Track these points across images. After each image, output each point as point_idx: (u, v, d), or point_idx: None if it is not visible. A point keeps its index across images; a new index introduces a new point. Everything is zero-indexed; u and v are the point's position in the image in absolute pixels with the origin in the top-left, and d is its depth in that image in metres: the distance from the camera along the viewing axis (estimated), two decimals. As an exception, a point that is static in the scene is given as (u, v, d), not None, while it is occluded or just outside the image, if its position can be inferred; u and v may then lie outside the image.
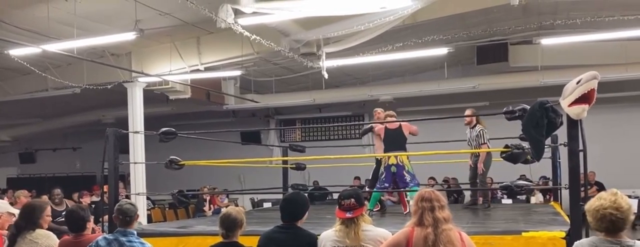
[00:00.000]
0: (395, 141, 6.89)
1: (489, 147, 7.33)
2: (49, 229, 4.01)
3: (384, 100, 13.53)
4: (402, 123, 6.97)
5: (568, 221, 4.67)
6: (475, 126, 7.69)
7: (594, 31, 9.57)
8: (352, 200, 3.35)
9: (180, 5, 7.24)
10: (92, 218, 4.13)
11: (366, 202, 3.66)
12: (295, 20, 8.52)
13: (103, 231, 5.89)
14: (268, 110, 16.24)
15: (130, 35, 7.87)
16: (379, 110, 7.50)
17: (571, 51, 11.16)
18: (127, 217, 3.74)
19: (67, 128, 16.91)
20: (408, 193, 6.77)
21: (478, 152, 7.41)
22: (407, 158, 6.86)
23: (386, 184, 6.92)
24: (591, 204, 2.60)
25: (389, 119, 7.11)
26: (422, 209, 3.08)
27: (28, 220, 3.82)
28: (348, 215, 3.33)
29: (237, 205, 12.47)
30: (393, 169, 6.79)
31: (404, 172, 6.76)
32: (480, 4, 8.70)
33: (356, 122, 16.14)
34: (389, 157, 6.79)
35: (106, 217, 5.66)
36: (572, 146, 4.13)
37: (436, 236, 2.97)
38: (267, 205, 10.49)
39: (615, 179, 10.85)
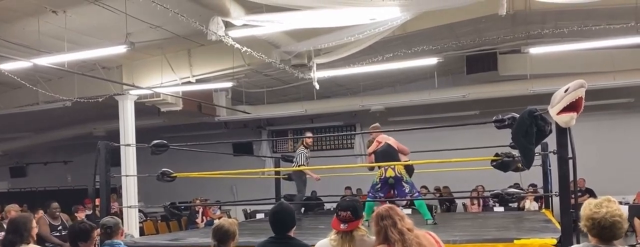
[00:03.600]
0: (387, 155, 6.94)
1: None
2: (41, 239, 4.01)
3: (376, 110, 13.59)
4: (388, 142, 7.01)
5: (559, 227, 4.70)
6: None
7: (581, 40, 9.69)
8: (349, 212, 3.30)
9: (170, 18, 7.27)
10: (96, 239, 4.10)
11: (364, 214, 3.66)
12: (285, 32, 8.58)
13: (95, 245, 5.86)
14: (260, 121, 16.25)
15: (121, 49, 7.88)
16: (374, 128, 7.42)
17: (559, 60, 11.28)
18: (111, 227, 3.77)
19: (58, 142, 16.81)
20: (415, 202, 6.80)
21: None
22: (404, 169, 6.88)
23: (380, 194, 6.95)
24: (594, 211, 2.53)
25: (373, 133, 7.18)
26: (385, 228, 3.03)
27: (17, 234, 3.81)
28: (342, 227, 3.33)
29: (229, 216, 12.42)
30: (391, 181, 6.82)
31: (403, 183, 6.79)
32: (469, 14, 8.78)
33: (348, 132, 16.19)
34: (386, 169, 6.81)
35: (98, 230, 5.63)
36: (562, 154, 4.18)
37: None
38: (260, 216, 10.46)
39: (605, 186, 10.93)
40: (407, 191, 6.77)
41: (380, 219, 3.07)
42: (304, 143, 8.44)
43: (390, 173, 6.79)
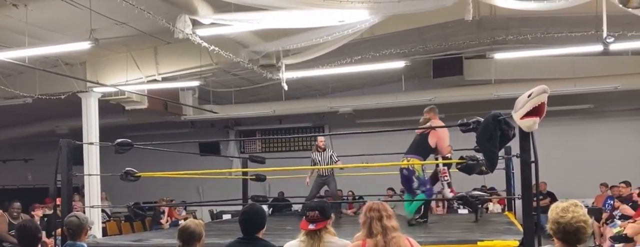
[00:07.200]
0: (413, 145, 6.85)
1: None
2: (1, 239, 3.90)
3: (344, 112, 13.65)
4: (432, 131, 6.72)
5: (521, 230, 4.80)
6: None
7: (544, 47, 9.92)
8: (317, 212, 3.36)
9: (136, 15, 7.14)
10: (43, 233, 4.02)
11: (332, 216, 3.68)
12: (254, 32, 8.54)
13: (56, 245, 5.72)
14: (227, 121, 16.12)
15: (85, 45, 7.70)
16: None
17: (523, 65, 11.52)
18: (73, 229, 3.69)
19: (18, 139, 16.35)
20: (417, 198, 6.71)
21: None
22: (421, 165, 6.70)
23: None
24: (560, 216, 2.54)
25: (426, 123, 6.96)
26: (371, 219, 3.17)
27: None
28: (311, 227, 3.36)
29: (195, 217, 12.30)
30: (405, 172, 6.75)
31: (413, 177, 6.67)
32: (436, 19, 8.89)
33: (316, 134, 16.19)
34: (402, 161, 6.75)
35: (59, 230, 5.50)
36: (524, 157, 4.27)
37: (386, 243, 3.09)
38: (226, 217, 10.40)
39: (565, 189, 11.22)
40: (415, 185, 6.66)
41: (369, 210, 3.21)
42: (317, 147, 8.80)
43: (404, 165, 6.71)
